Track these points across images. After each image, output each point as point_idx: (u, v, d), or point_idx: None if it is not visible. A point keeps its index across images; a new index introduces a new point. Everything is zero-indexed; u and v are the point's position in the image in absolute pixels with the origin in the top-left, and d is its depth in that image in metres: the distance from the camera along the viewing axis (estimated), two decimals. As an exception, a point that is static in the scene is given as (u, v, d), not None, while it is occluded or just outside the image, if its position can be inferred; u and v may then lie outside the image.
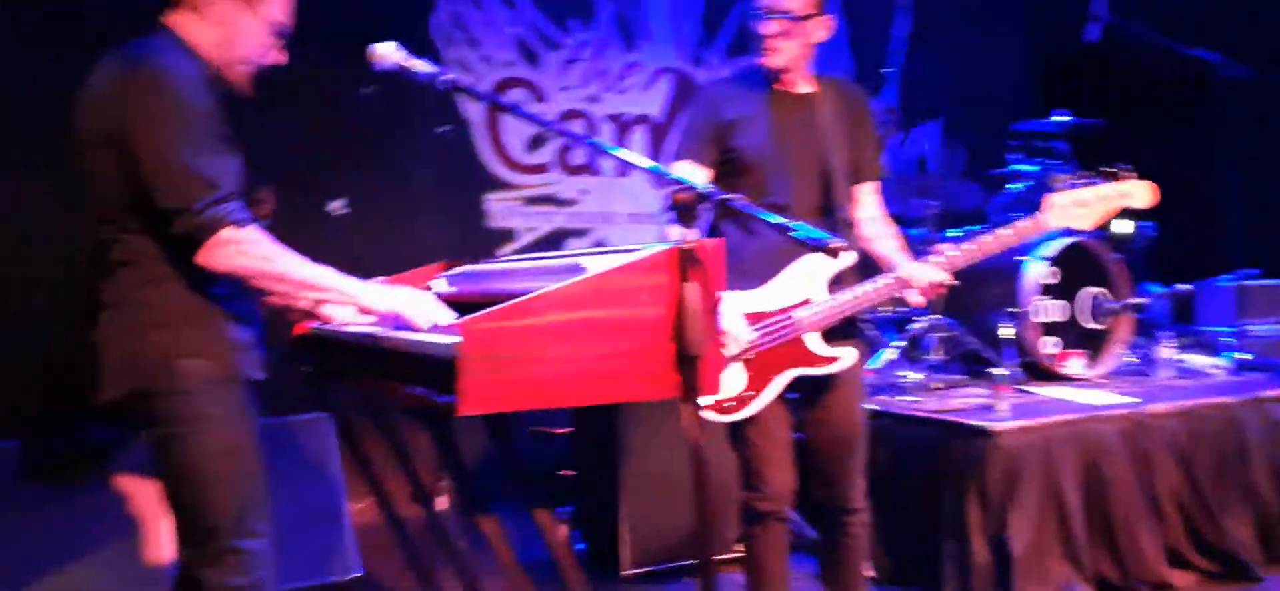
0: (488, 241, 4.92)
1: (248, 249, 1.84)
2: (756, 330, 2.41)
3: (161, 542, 3.00)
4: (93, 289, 1.97)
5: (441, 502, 4.22)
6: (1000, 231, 2.50)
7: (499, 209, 4.99)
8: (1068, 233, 3.25)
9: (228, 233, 1.82)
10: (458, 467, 2.49)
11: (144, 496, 3.02)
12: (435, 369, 1.59)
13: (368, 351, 1.96)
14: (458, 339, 1.52)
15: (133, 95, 1.85)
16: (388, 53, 1.88)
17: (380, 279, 2.31)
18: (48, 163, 3.77)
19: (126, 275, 1.93)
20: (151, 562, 3.02)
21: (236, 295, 1.95)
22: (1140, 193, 2.59)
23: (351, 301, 1.92)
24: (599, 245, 5.18)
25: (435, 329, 1.78)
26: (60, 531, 2.95)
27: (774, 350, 2.42)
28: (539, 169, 5.08)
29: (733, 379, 2.41)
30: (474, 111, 4.94)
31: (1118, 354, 4.13)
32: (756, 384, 2.43)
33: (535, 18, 5.05)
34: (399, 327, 1.87)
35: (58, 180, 3.77)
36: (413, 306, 1.87)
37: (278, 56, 2.09)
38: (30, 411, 3.46)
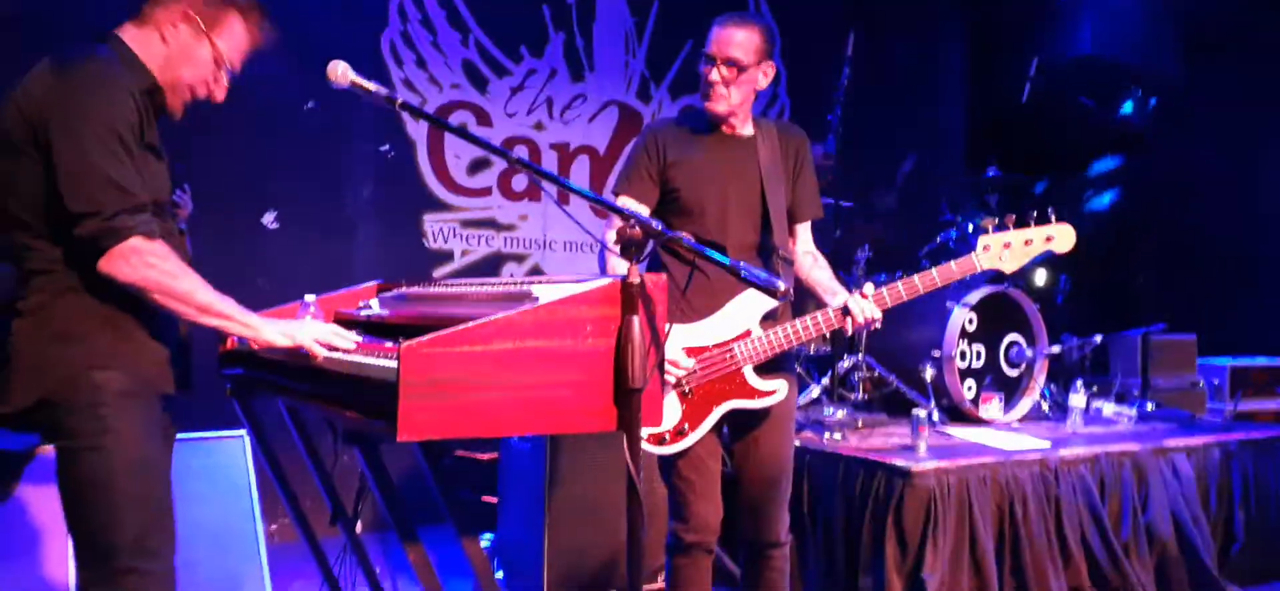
0: (425, 262, 4.87)
1: (154, 262, 1.81)
2: (697, 363, 2.44)
3: (66, 559, 2.88)
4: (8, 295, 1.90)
5: (360, 525, 4.14)
6: (932, 272, 2.59)
7: (437, 230, 4.95)
8: (994, 274, 3.39)
9: (136, 242, 1.79)
10: (383, 491, 2.45)
11: (43, 510, 2.89)
12: (373, 392, 1.57)
13: (301, 370, 1.92)
14: (397, 363, 1.51)
15: (58, 97, 1.82)
16: (343, 72, 1.87)
17: (312, 296, 2.28)
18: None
19: (43, 283, 1.87)
20: (48, 579, 2.89)
21: (155, 306, 1.90)
22: (1063, 236, 2.70)
23: (251, 336, 1.90)
24: (536, 271, 5.17)
25: (377, 351, 1.77)
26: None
27: (712, 383, 2.46)
28: (480, 192, 5.06)
29: (670, 411, 2.43)
30: (417, 132, 4.90)
31: (1033, 399, 4.28)
32: (693, 416, 2.46)
33: (486, 43, 5.05)
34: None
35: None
36: (314, 338, 1.87)
37: (219, 93, 2.08)
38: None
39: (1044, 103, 4.90)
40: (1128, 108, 4.67)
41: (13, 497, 2.86)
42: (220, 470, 3.39)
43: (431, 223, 4.93)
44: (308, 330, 1.89)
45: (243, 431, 3.44)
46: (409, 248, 4.85)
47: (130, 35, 1.99)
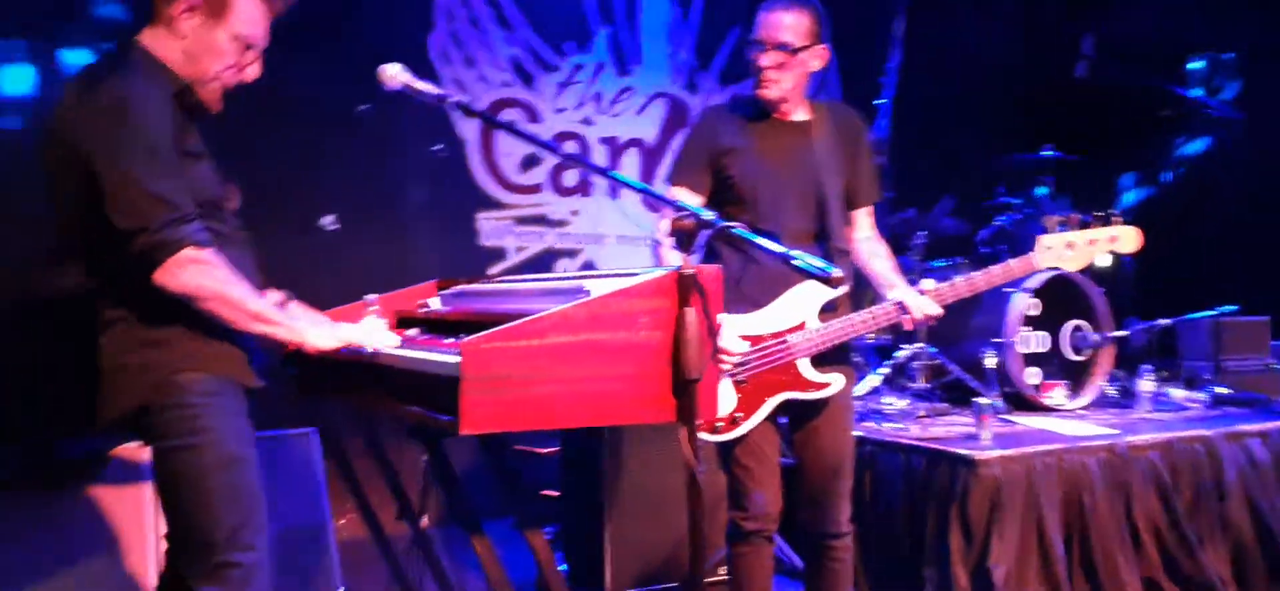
0: (478, 260, 4.92)
1: (209, 270, 1.84)
2: (751, 352, 2.43)
3: (145, 555, 2.97)
4: (82, 310, 1.96)
5: (426, 519, 4.21)
6: (991, 269, 2.55)
7: (490, 228, 5.00)
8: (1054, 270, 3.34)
9: (189, 252, 1.82)
10: (447, 484, 2.49)
11: (123, 508, 2.99)
12: (435, 388, 1.60)
13: (363, 367, 1.96)
14: (459, 358, 1.53)
15: (92, 118, 1.83)
16: (395, 74, 1.90)
17: (373, 296, 2.32)
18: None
19: (115, 295, 1.92)
20: (130, 575, 2.99)
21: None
22: (1128, 237, 2.64)
23: (298, 342, 1.93)
24: (589, 266, 5.20)
25: (438, 347, 1.80)
26: (39, 541, 2.92)
27: (767, 373, 2.45)
28: (531, 189, 5.10)
29: (725, 399, 2.43)
30: (469, 130, 4.96)
31: (1099, 386, 4.18)
32: (748, 405, 2.45)
33: (532, 40, 5.08)
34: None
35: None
36: (361, 338, 1.90)
37: (252, 73, 2.04)
38: (12, 421, 3.41)
39: (1100, 78, 4.76)
40: (1200, 64, 4.49)
41: (94, 498, 2.98)
42: (290, 466, 3.46)
43: (484, 220, 4.98)
44: (351, 330, 1.93)
45: (310, 428, 3.53)
46: (463, 246, 4.90)
47: (148, 39, 1.97)
